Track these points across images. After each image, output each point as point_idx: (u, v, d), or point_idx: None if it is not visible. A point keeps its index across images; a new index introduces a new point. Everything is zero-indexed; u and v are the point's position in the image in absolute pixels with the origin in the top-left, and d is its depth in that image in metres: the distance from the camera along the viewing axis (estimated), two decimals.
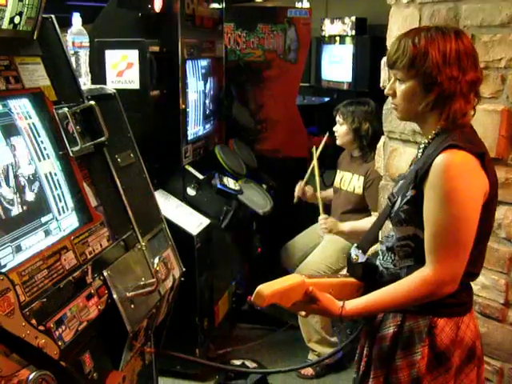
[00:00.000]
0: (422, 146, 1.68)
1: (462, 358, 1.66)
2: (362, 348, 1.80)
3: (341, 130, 3.36)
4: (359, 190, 3.29)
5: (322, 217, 3.36)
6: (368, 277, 1.75)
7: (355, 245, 1.80)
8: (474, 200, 1.53)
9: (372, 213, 3.19)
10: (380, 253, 1.77)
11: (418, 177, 1.57)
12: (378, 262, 1.76)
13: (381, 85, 2.47)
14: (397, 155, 2.41)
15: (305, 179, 3.60)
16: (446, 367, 1.63)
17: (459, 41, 1.55)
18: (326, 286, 1.67)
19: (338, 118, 3.38)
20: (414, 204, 1.59)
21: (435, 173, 1.52)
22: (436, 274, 1.54)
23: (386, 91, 1.69)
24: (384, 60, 2.43)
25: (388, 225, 1.76)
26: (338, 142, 3.42)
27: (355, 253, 1.77)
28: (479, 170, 1.53)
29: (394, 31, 2.36)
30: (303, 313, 1.69)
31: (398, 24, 2.33)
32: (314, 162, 3.49)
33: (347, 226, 3.28)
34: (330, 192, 3.64)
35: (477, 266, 1.66)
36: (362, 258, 1.75)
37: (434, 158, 1.53)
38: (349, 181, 3.37)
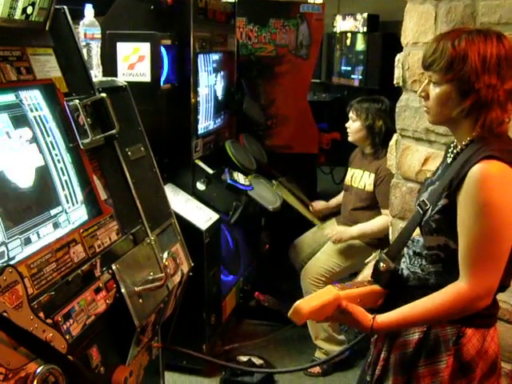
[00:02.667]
0: (453, 150, 1.63)
1: (484, 371, 1.62)
2: (379, 351, 1.75)
3: (353, 126, 3.34)
4: (370, 187, 3.27)
5: (326, 231, 3.37)
6: (392, 284, 1.71)
7: (384, 251, 1.75)
8: (511, 212, 1.48)
9: (382, 210, 3.16)
10: (406, 256, 1.72)
11: (453, 186, 1.52)
12: (403, 265, 1.72)
13: (394, 82, 2.44)
14: (409, 153, 2.39)
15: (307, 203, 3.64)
16: (469, 379, 1.60)
17: (500, 45, 1.49)
18: (355, 296, 1.65)
19: (351, 115, 3.35)
20: (446, 213, 1.54)
21: (471, 183, 1.47)
22: (472, 288, 1.50)
23: (418, 93, 1.64)
24: (398, 57, 2.40)
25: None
26: (350, 139, 3.39)
27: (383, 260, 1.72)
28: None
29: (409, 28, 2.33)
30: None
31: (413, 21, 2.30)
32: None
33: (355, 229, 3.27)
34: (339, 197, 3.64)
35: (508, 278, 1.62)
36: (390, 266, 1.71)
37: (469, 167, 1.48)
38: (360, 178, 3.35)
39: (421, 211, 1.63)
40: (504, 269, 1.52)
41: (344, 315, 1.58)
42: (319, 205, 3.72)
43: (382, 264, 1.71)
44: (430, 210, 1.60)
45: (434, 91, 1.56)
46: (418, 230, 1.69)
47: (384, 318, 1.58)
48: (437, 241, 1.60)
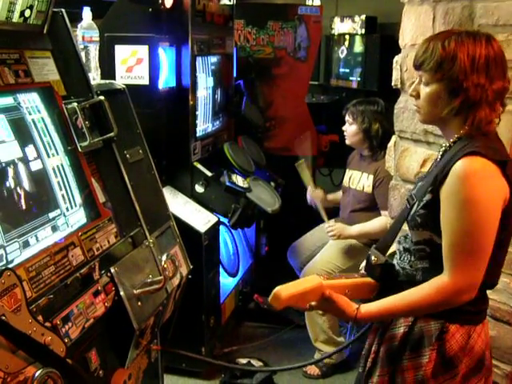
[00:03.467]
0: (443, 149, 1.66)
1: (471, 367, 1.63)
2: (371, 344, 1.78)
3: (350, 129, 3.33)
4: (368, 189, 3.27)
5: (328, 224, 3.33)
6: (385, 278, 1.73)
7: (374, 246, 1.79)
8: (493, 207, 1.50)
9: (381, 212, 3.16)
10: (397, 252, 1.75)
11: (438, 181, 1.54)
12: (394, 261, 1.75)
13: (392, 84, 2.44)
14: (408, 155, 2.39)
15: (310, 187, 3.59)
16: (451, 374, 1.62)
17: (489, 47, 1.52)
18: (342, 286, 1.67)
19: (348, 118, 3.35)
20: (431, 208, 1.57)
21: (453, 179, 1.50)
22: (454, 281, 1.52)
23: (409, 92, 1.67)
24: (396, 59, 2.41)
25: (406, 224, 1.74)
26: (347, 142, 3.39)
27: (375, 254, 1.75)
28: (499, 177, 1.50)
29: (407, 30, 2.33)
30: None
31: (411, 22, 2.30)
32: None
33: (355, 229, 3.26)
34: (338, 194, 3.62)
35: (496, 275, 1.64)
36: (381, 260, 1.74)
37: (453, 162, 1.51)
38: (358, 179, 3.34)
39: (408, 205, 1.66)
40: (492, 265, 1.54)
41: (328, 304, 1.60)
42: (320, 193, 3.66)
43: (373, 257, 1.74)
44: (416, 205, 1.62)
45: (425, 90, 1.59)
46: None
47: (368, 307, 1.61)
48: (422, 235, 1.62)
